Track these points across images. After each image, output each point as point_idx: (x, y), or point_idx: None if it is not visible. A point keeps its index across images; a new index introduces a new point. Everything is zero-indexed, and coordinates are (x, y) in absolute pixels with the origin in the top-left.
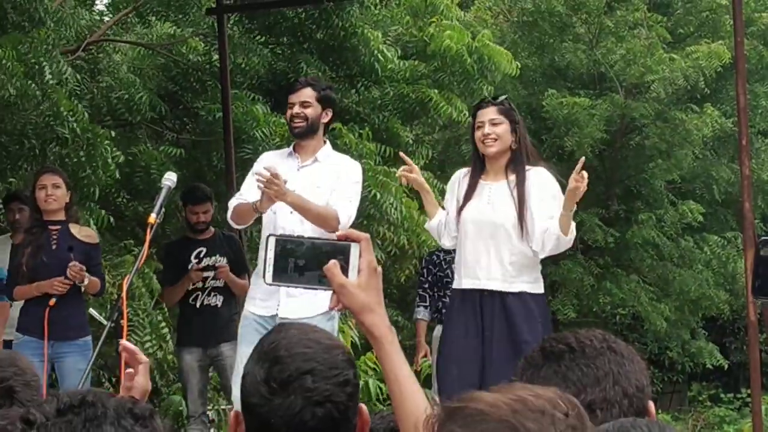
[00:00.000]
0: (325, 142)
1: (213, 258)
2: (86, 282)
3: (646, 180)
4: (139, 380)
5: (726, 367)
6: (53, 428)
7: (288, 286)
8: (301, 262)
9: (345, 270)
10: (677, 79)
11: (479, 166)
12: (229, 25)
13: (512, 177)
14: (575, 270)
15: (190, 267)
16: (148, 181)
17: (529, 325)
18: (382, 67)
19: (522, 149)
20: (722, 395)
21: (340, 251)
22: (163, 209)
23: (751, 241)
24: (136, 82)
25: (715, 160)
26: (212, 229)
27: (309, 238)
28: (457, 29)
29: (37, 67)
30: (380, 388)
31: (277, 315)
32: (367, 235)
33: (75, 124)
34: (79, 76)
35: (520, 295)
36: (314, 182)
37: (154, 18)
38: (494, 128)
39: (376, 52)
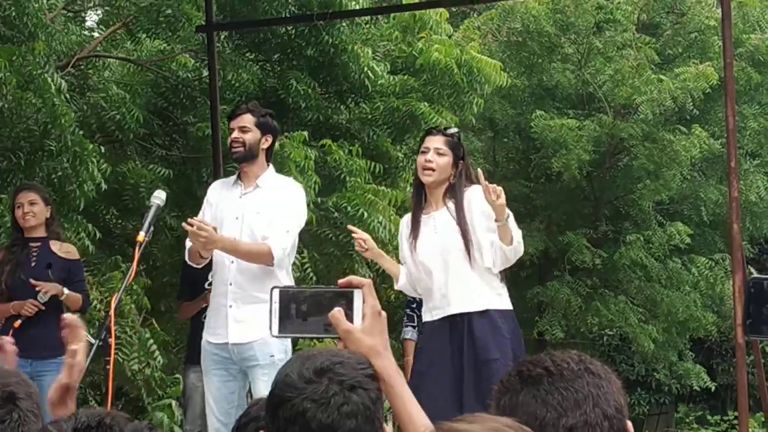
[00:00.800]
0: (268, 166)
1: None
2: (65, 295)
3: (634, 201)
4: (79, 358)
5: (713, 389)
6: None
7: (294, 336)
8: (305, 311)
9: (349, 316)
10: (665, 100)
11: (421, 198)
12: (218, 42)
13: (450, 204)
14: (563, 291)
15: (207, 284)
16: (137, 198)
17: (497, 343)
18: (372, 83)
19: (458, 184)
20: (709, 417)
21: (343, 298)
22: (152, 227)
23: (739, 264)
24: (126, 99)
25: (704, 182)
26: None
27: (312, 287)
28: (445, 43)
29: (35, 77)
30: None
31: (228, 343)
32: (370, 281)
33: (68, 136)
34: (68, 93)
35: (486, 313)
36: (255, 209)
37: (144, 35)
38: (437, 158)
39: (366, 68)
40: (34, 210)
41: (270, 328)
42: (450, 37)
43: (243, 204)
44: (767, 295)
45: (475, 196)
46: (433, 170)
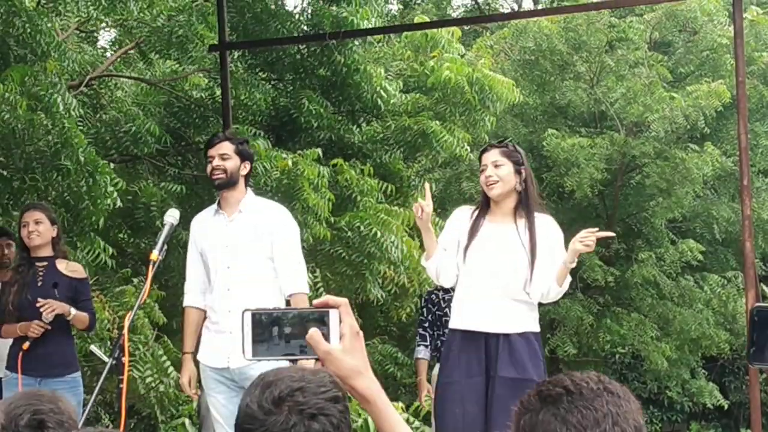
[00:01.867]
0: (247, 190)
1: None
2: (72, 315)
3: (646, 219)
4: None
5: (726, 407)
6: None
7: (269, 359)
8: (280, 334)
9: (326, 337)
10: (677, 118)
11: (485, 206)
12: (231, 62)
13: (521, 221)
14: (574, 308)
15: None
16: (150, 217)
17: (533, 364)
18: (385, 102)
19: (528, 191)
20: None
21: (319, 318)
22: (166, 246)
23: (752, 281)
24: (140, 115)
25: (716, 199)
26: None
27: (285, 308)
28: (457, 62)
29: (45, 97)
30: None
31: (228, 368)
32: (346, 300)
33: (81, 154)
34: (82, 111)
35: (525, 335)
36: (240, 235)
37: (156, 56)
38: (496, 170)
39: (378, 88)
40: (39, 229)
41: (243, 352)
42: (462, 56)
43: (230, 232)
44: None
45: (551, 226)
46: (497, 181)
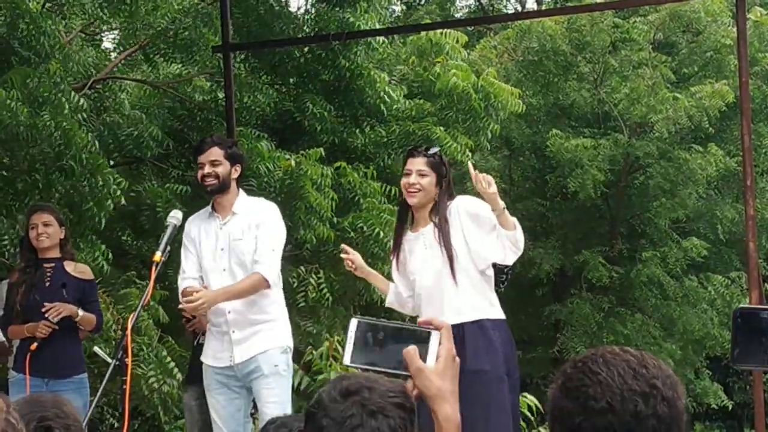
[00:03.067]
0: (239, 192)
1: None
2: (79, 317)
3: (650, 219)
4: None
5: (730, 407)
6: None
7: (365, 368)
8: (380, 346)
9: (424, 356)
10: (681, 119)
11: (405, 216)
12: (235, 64)
13: (435, 219)
14: (583, 307)
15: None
16: (154, 219)
17: (488, 354)
18: (388, 107)
19: (442, 201)
20: None
21: (420, 337)
22: (169, 247)
23: (755, 281)
24: (143, 119)
25: (719, 200)
26: None
27: (391, 322)
28: (462, 69)
29: (51, 98)
30: None
31: (232, 365)
32: (449, 324)
33: (84, 154)
34: (85, 114)
35: (479, 323)
36: (236, 237)
37: (160, 59)
38: (420, 179)
39: (382, 93)
40: (48, 231)
41: (343, 357)
42: (466, 58)
43: (224, 234)
44: (754, 326)
45: (460, 204)
46: (418, 191)
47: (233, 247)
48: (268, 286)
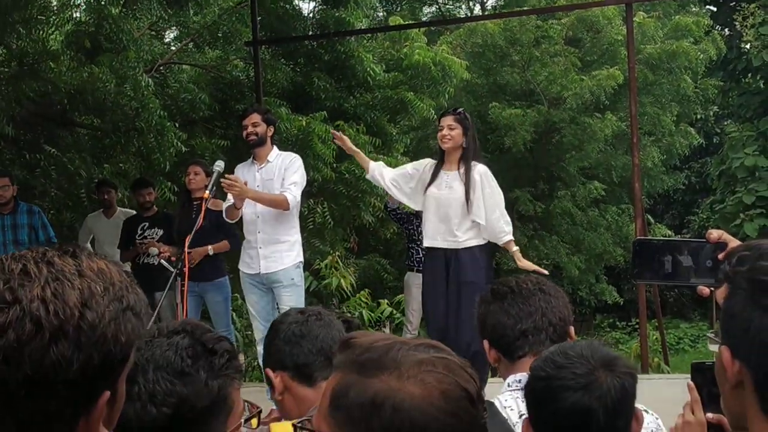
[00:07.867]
0: (273, 147)
1: (152, 230)
2: (212, 252)
3: (563, 167)
4: None
5: (621, 303)
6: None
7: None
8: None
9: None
10: (585, 94)
11: (441, 159)
12: (261, 52)
13: (462, 168)
14: (515, 232)
15: (136, 237)
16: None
17: (473, 270)
18: (373, 79)
19: (470, 148)
20: (618, 323)
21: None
22: (215, 187)
23: (639, 212)
24: (195, 89)
25: (614, 153)
26: (155, 208)
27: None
28: (423, 48)
29: (130, 76)
30: (371, 318)
31: (260, 273)
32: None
33: (153, 118)
34: (153, 88)
35: (470, 249)
36: (268, 177)
37: (207, 48)
38: (450, 131)
39: (368, 69)
40: (197, 179)
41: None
42: (425, 44)
43: (261, 176)
44: (648, 252)
45: (481, 170)
46: (450, 139)
47: (266, 185)
48: (287, 208)
